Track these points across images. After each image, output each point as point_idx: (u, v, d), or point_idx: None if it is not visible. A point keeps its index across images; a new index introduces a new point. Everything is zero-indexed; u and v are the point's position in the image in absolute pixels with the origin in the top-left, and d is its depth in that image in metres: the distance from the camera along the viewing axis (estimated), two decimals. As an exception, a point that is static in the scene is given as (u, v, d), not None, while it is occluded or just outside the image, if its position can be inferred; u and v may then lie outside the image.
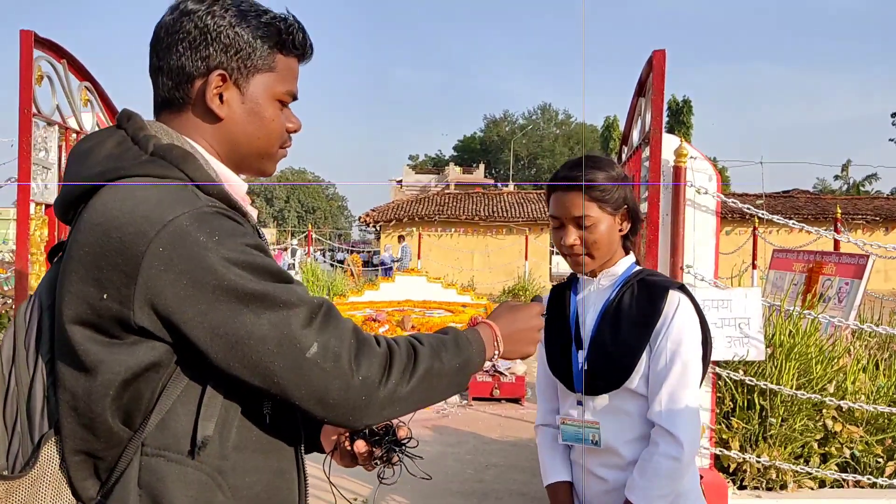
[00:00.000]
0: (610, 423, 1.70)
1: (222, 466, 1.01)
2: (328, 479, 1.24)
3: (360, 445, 1.19)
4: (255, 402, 1.05)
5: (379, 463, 1.20)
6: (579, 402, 1.75)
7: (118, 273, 0.93)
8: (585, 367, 1.72)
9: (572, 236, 1.70)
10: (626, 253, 1.78)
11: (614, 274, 1.75)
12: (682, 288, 1.71)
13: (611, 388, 1.69)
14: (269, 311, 0.96)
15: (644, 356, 1.66)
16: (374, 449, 1.20)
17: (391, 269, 16.89)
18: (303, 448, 1.17)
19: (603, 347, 1.70)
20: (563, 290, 1.87)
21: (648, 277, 1.73)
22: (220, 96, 1.10)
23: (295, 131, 1.21)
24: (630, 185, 1.70)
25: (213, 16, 1.08)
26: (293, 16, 1.16)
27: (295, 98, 1.19)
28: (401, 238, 18.94)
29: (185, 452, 0.99)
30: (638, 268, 1.79)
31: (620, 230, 1.74)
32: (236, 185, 1.15)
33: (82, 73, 3.30)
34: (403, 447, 1.20)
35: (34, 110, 2.92)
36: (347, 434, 1.22)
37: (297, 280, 1.05)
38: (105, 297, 0.94)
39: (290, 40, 1.14)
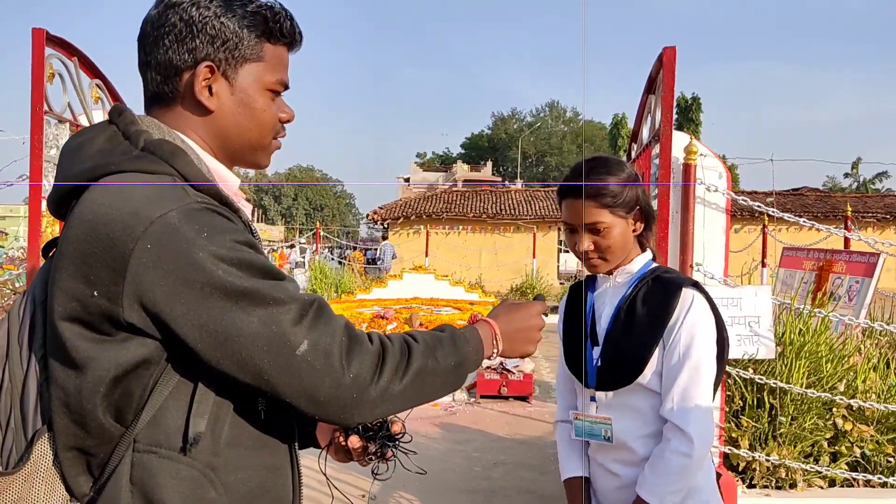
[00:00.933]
0: (622, 420, 1.71)
1: (214, 463, 1.00)
2: (324, 474, 1.25)
3: (354, 441, 1.19)
4: (248, 398, 1.04)
5: (373, 458, 1.20)
6: (592, 398, 1.76)
7: (107, 270, 0.93)
8: (599, 364, 1.73)
9: (586, 243, 1.71)
10: (643, 250, 1.78)
11: (630, 271, 1.76)
12: (696, 285, 1.71)
13: (623, 383, 1.69)
14: (259, 308, 0.95)
15: (656, 352, 1.66)
16: (368, 444, 1.20)
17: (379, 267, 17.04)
18: (297, 444, 1.17)
19: (616, 344, 1.71)
20: (582, 287, 1.88)
21: (663, 275, 1.74)
22: (210, 88, 1.09)
23: (288, 121, 1.20)
24: (640, 185, 1.69)
25: (197, 7, 1.07)
26: (280, 4, 1.15)
27: (286, 87, 1.18)
28: (384, 237, 18.91)
29: (177, 449, 0.98)
30: (654, 265, 1.79)
31: (634, 230, 1.74)
32: (228, 180, 1.14)
33: (93, 70, 3.31)
34: (397, 442, 1.20)
35: (45, 108, 2.94)
36: (342, 429, 1.22)
37: (290, 277, 1.04)
38: (94, 293, 0.93)
39: (277, 28, 1.13)
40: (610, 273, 1.77)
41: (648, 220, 1.76)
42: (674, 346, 1.64)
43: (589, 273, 1.83)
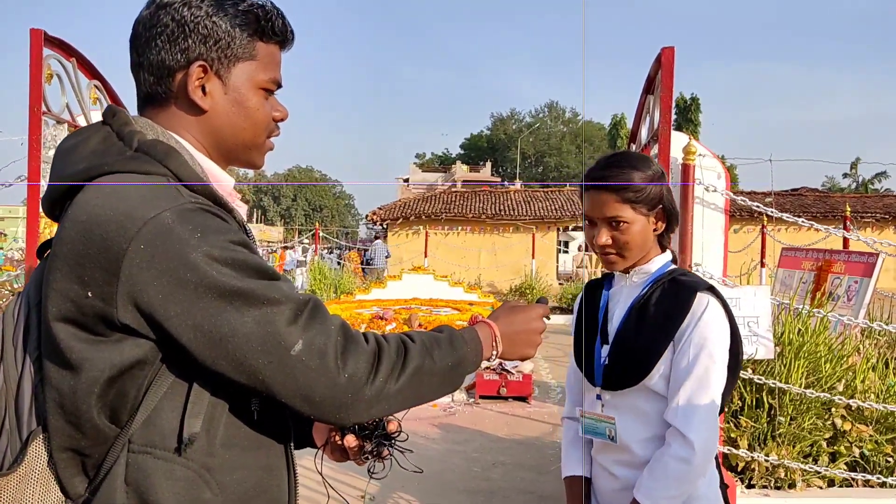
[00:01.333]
0: (626, 421, 1.68)
1: (210, 463, 1.00)
2: (321, 473, 1.25)
3: (350, 440, 1.19)
4: (243, 399, 1.04)
5: (369, 457, 1.20)
6: (598, 397, 1.73)
7: (101, 271, 0.93)
8: (607, 362, 1.70)
9: (604, 237, 1.67)
10: (663, 251, 1.75)
11: (647, 272, 1.72)
12: (713, 290, 1.67)
13: (629, 384, 1.66)
14: (253, 308, 0.95)
15: (666, 355, 1.63)
16: (364, 443, 1.20)
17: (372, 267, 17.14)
18: (292, 444, 1.17)
19: (626, 343, 1.68)
20: (598, 285, 1.85)
21: (680, 277, 1.70)
22: (203, 88, 1.09)
23: (282, 120, 1.20)
24: (642, 184, 1.66)
25: (189, 7, 1.07)
26: (271, 2, 1.15)
27: (279, 86, 1.18)
28: (376, 237, 19.02)
29: (172, 450, 0.98)
30: (672, 266, 1.75)
31: (655, 230, 1.70)
32: (222, 180, 1.14)
33: (91, 71, 3.31)
34: (393, 441, 1.20)
35: (44, 109, 2.94)
36: (338, 429, 1.22)
37: (285, 277, 1.04)
38: (88, 294, 0.93)
39: (269, 27, 1.13)
40: (627, 272, 1.75)
41: (671, 220, 1.72)
42: (684, 350, 1.61)
43: (605, 269, 1.79)
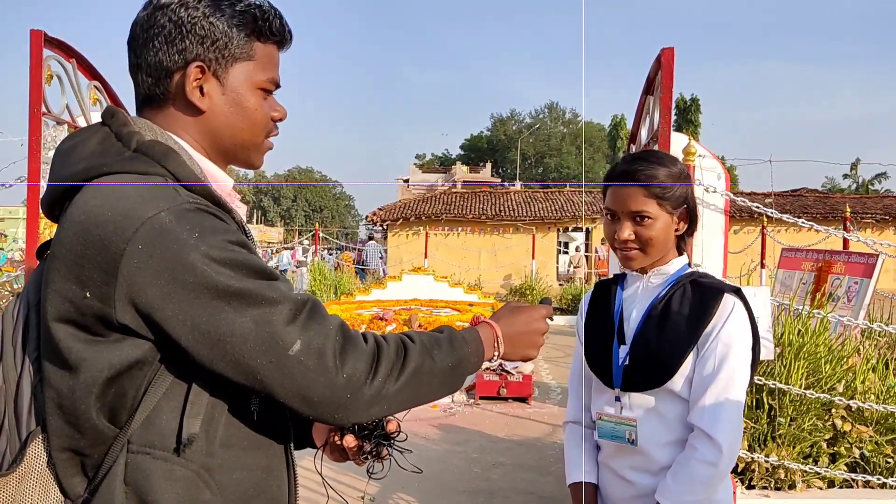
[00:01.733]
0: (645, 424, 1.64)
1: (209, 464, 1.01)
2: (320, 473, 1.25)
3: (350, 440, 1.19)
4: (243, 399, 1.04)
5: (368, 458, 1.20)
6: (617, 399, 1.69)
7: (99, 271, 0.93)
8: (627, 363, 1.67)
9: (627, 231, 1.64)
10: (680, 253, 1.73)
11: (666, 273, 1.70)
12: (738, 292, 1.65)
13: (651, 385, 1.63)
14: (251, 308, 0.95)
15: (690, 358, 1.60)
16: (363, 443, 1.20)
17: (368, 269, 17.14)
18: (292, 444, 1.17)
19: (647, 344, 1.64)
20: (610, 286, 1.82)
21: (701, 279, 1.68)
22: (201, 89, 1.10)
23: (280, 119, 1.20)
24: (651, 184, 1.63)
25: (186, 7, 1.07)
26: (269, 2, 1.15)
27: (278, 86, 1.18)
28: (370, 238, 19.02)
29: (171, 450, 0.98)
30: (690, 269, 1.73)
31: (677, 230, 1.68)
32: (221, 180, 1.14)
33: (91, 72, 3.31)
34: (393, 441, 1.20)
35: (44, 109, 2.94)
36: (337, 429, 1.22)
37: (283, 277, 1.04)
38: (87, 294, 0.94)
39: (266, 27, 1.13)
40: (644, 272, 1.71)
41: (692, 222, 1.70)
42: (710, 352, 1.59)
43: (624, 267, 1.76)
